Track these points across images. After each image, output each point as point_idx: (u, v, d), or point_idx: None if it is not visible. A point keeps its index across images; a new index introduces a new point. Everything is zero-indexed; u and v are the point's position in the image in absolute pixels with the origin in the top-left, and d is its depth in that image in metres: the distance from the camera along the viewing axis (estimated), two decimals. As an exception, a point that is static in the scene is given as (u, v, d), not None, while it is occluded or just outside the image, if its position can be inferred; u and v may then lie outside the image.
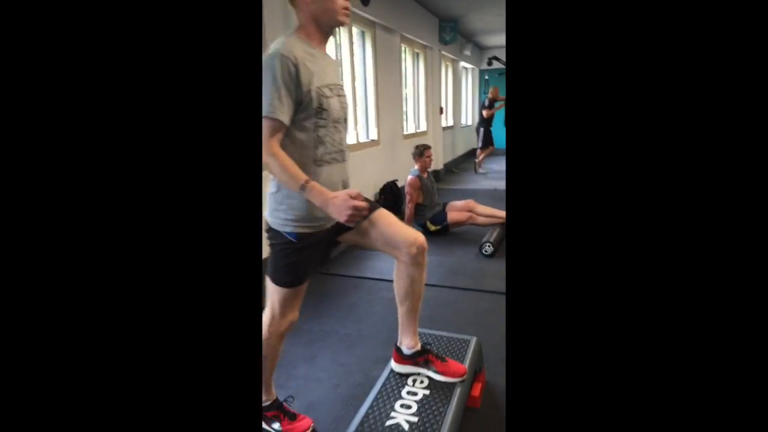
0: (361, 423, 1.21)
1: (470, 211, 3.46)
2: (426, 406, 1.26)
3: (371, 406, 1.28)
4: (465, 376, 1.39)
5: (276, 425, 1.45)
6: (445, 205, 3.59)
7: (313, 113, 1.14)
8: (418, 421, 1.21)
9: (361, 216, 1.12)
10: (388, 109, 4.63)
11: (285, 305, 1.28)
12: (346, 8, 1.17)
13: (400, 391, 1.34)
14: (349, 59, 3.89)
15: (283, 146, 1.12)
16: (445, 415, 1.23)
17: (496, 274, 2.76)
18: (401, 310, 1.42)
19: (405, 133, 5.27)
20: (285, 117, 1.09)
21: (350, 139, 3.92)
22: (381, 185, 4.30)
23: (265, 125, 1.09)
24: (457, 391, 1.32)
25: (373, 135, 4.37)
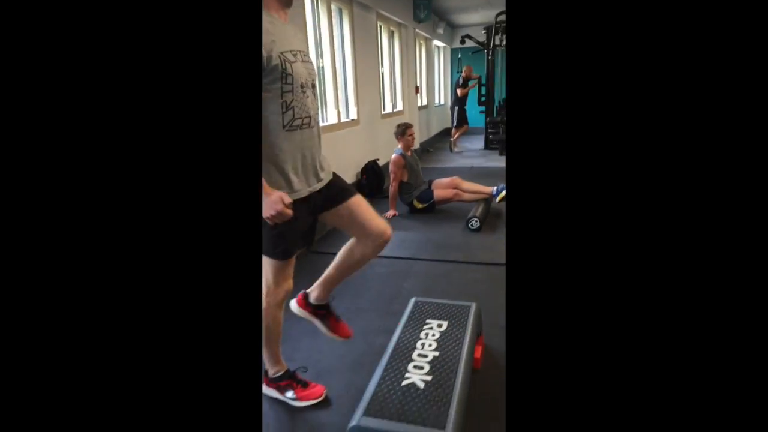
0: (379, 384, 1.28)
1: (456, 188, 3.54)
2: (437, 367, 1.34)
3: (386, 368, 1.34)
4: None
5: (290, 393, 1.51)
6: (430, 182, 3.66)
7: (279, 77, 1.15)
8: (432, 380, 1.28)
9: (282, 221, 1.15)
10: (367, 89, 4.63)
11: (278, 275, 1.34)
12: None
13: (411, 354, 1.41)
14: (328, 37, 3.85)
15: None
16: (456, 373, 1.31)
17: (483, 246, 2.86)
18: (334, 273, 1.49)
19: (383, 112, 5.28)
20: None
21: (332, 118, 3.94)
22: (363, 165, 4.32)
23: None
24: (464, 353, 1.41)
25: (353, 114, 4.37)
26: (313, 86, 1.29)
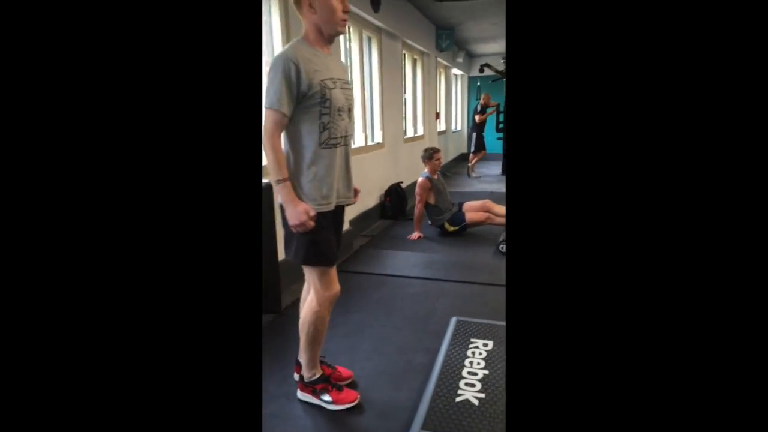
0: (432, 399, 1.30)
1: (487, 211, 3.58)
2: (489, 384, 1.37)
3: (437, 384, 1.37)
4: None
5: (326, 397, 1.56)
6: (461, 205, 3.71)
7: (318, 102, 1.31)
8: (486, 397, 1.31)
9: (303, 230, 1.33)
10: (391, 113, 4.75)
11: (324, 281, 1.43)
12: (344, 20, 1.35)
13: (460, 371, 1.44)
14: (359, 64, 4.00)
15: (293, 132, 1.33)
16: (507, 391, 1.34)
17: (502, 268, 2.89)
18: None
19: (406, 137, 5.40)
20: (286, 110, 1.29)
21: (359, 141, 4.04)
22: (386, 187, 4.40)
23: (269, 116, 1.28)
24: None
25: (379, 138, 4.48)
26: (350, 110, 1.43)
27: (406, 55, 5.52)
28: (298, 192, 1.35)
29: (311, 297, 1.48)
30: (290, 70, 1.26)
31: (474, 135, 7.01)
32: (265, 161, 1.34)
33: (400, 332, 2.14)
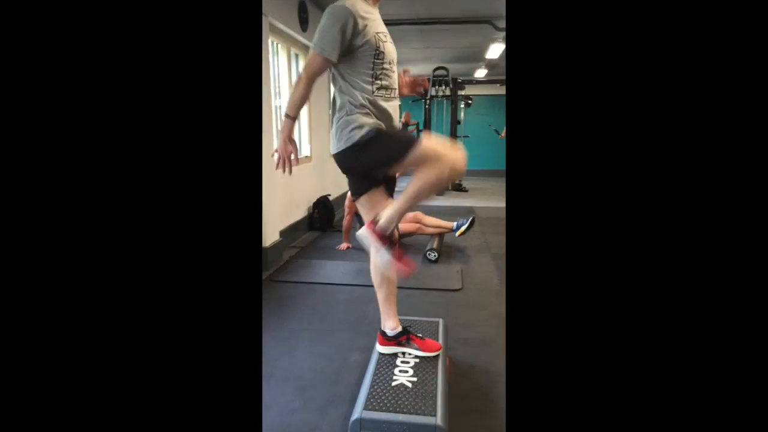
0: (371, 385, 1.44)
1: (418, 222, 3.81)
2: (420, 370, 1.54)
3: (374, 373, 1.52)
4: (441, 350, 1.69)
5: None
6: (391, 216, 3.90)
7: (374, 54, 1.40)
8: (417, 380, 1.48)
9: (282, 166, 1.45)
10: (318, 129, 4.88)
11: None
12: None
13: (395, 361, 1.60)
14: (287, 79, 4.09)
15: (351, 80, 1.41)
16: (437, 374, 1.51)
17: (437, 275, 3.13)
18: (379, 296, 1.70)
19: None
20: (335, 58, 1.36)
21: (288, 154, 4.10)
22: (314, 199, 4.50)
23: (316, 60, 1.37)
24: (440, 358, 1.62)
25: (306, 151, 4.58)
26: (395, 63, 1.51)
27: (332, 73, 5.71)
28: (363, 124, 1.39)
29: (428, 169, 1.37)
30: (348, 22, 1.33)
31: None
32: (292, 95, 1.43)
33: (334, 334, 2.26)
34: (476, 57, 7.17)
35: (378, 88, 1.44)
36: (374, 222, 1.52)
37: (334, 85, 1.47)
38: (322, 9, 4.66)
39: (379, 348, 1.70)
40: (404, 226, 3.81)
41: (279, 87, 4.00)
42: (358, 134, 1.41)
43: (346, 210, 3.77)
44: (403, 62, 8.00)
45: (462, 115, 7.71)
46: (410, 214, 3.92)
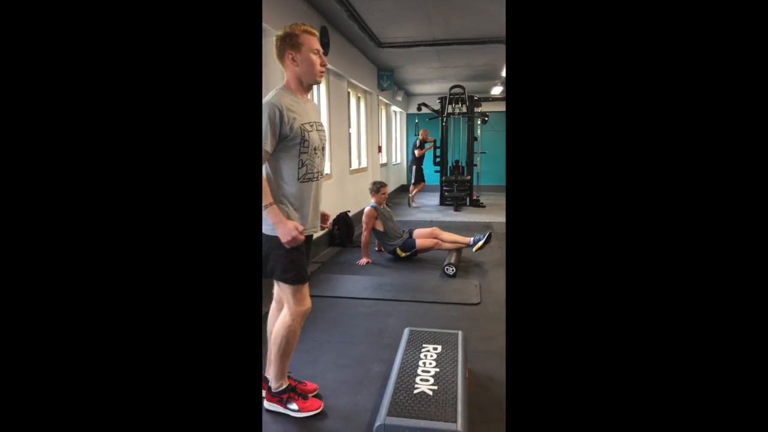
0: (394, 393, 1.51)
1: (436, 237, 3.89)
2: (440, 379, 1.60)
3: (396, 382, 1.58)
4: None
5: (293, 405, 1.71)
6: (410, 232, 3.99)
7: (298, 143, 1.54)
8: (438, 389, 1.54)
9: (296, 245, 1.53)
10: (338, 146, 5.03)
11: (298, 298, 1.62)
12: (322, 71, 1.60)
13: (415, 370, 1.66)
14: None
15: (275, 167, 1.55)
16: (456, 383, 1.57)
17: (456, 289, 3.19)
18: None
19: (351, 168, 5.69)
20: (269, 148, 1.50)
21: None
22: (334, 215, 4.61)
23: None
24: (460, 368, 1.68)
25: (327, 169, 4.72)
26: (323, 149, 1.67)
27: (351, 93, 5.88)
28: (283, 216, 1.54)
29: (284, 313, 1.66)
30: (275, 114, 1.48)
31: (414, 168, 7.47)
32: None
33: (356, 346, 2.33)
34: (492, 75, 7.29)
35: (303, 174, 1.57)
36: (269, 390, 1.73)
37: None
38: (343, 33, 4.84)
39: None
40: (422, 242, 3.89)
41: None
42: (271, 231, 1.53)
43: (364, 226, 3.87)
44: (420, 81, 8.18)
45: (479, 131, 7.80)
46: (427, 230, 4.00)
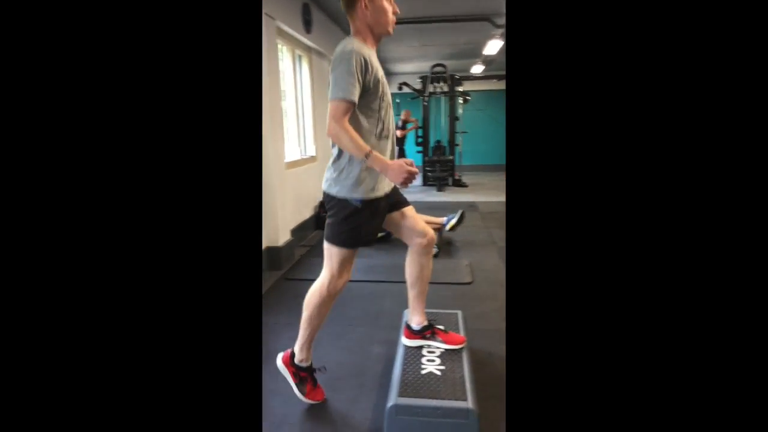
0: (402, 374, 1.53)
1: None
2: (446, 359, 1.62)
3: (404, 362, 1.60)
4: (465, 343, 1.77)
5: (304, 388, 1.67)
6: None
7: (379, 97, 1.46)
8: (446, 368, 1.56)
9: (412, 181, 1.41)
10: (323, 127, 4.94)
11: (343, 265, 1.57)
12: (394, 21, 1.50)
13: (420, 350, 1.68)
14: (292, 80, 4.15)
15: (354, 124, 1.41)
16: (462, 362, 1.60)
17: (444, 269, 3.22)
18: (411, 293, 1.77)
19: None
20: (356, 99, 1.38)
21: (294, 155, 4.17)
22: (321, 199, 4.56)
23: (339, 106, 1.36)
24: (465, 347, 1.70)
25: (312, 151, 4.64)
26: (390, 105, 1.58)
27: (333, 73, 5.76)
28: (348, 182, 1.46)
29: (322, 281, 1.59)
30: (361, 63, 1.36)
31: (396, 149, 7.43)
32: (338, 146, 1.43)
33: (354, 329, 2.34)
34: (473, 53, 7.25)
35: (380, 131, 1.49)
36: (291, 354, 1.68)
37: None
38: (325, 10, 4.70)
39: (405, 341, 1.77)
40: None
41: (285, 89, 4.06)
42: (348, 193, 1.47)
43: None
44: (401, 60, 8.07)
45: (460, 111, 7.79)
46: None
